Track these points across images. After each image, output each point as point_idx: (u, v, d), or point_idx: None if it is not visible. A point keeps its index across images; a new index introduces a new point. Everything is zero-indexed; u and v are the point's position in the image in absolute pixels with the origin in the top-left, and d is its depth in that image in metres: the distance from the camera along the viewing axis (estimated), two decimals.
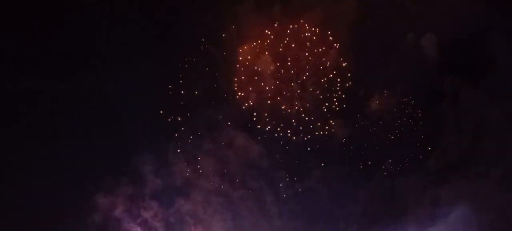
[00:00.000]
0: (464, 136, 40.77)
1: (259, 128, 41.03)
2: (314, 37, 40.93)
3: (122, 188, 39.01)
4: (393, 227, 42.10)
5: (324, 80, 41.28)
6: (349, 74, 41.00)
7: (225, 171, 40.94)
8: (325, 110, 41.48)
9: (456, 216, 40.17)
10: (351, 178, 42.31)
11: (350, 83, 41.15)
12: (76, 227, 37.75)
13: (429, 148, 41.90)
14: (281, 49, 40.98)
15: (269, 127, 40.81)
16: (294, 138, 41.18)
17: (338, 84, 41.34)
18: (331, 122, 41.40)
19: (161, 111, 40.09)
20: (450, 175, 40.97)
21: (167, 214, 40.34)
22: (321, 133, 41.44)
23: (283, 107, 40.83)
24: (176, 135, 40.19)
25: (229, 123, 40.53)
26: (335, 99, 41.47)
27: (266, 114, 40.88)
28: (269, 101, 41.05)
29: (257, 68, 40.48)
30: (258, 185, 41.32)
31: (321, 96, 41.45)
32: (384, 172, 42.50)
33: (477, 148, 40.50)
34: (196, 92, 40.46)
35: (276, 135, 41.02)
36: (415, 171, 42.08)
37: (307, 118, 41.39)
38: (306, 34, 40.91)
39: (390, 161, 42.31)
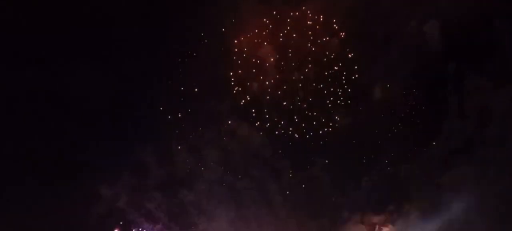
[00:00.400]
0: (468, 121, 40.49)
1: (259, 123, 40.90)
2: (317, 26, 40.45)
3: (125, 179, 38.90)
4: (396, 215, 42.11)
5: (328, 72, 40.90)
6: (354, 65, 40.62)
7: (228, 161, 40.76)
8: (329, 104, 41.12)
9: (460, 202, 40.09)
10: (354, 167, 42.18)
11: (356, 75, 40.85)
12: (79, 218, 37.62)
13: (433, 134, 41.50)
14: (281, 39, 40.52)
15: (269, 124, 40.75)
16: (296, 135, 40.98)
17: (343, 76, 40.90)
18: (336, 117, 41.00)
19: (163, 103, 39.63)
20: (454, 161, 40.76)
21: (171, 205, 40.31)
22: (325, 129, 41.19)
23: (285, 103, 40.61)
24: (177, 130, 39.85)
25: (229, 116, 40.17)
26: (339, 92, 41.07)
27: (265, 110, 40.72)
28: (268, 96, 40.75)
29: (257, 59, 40.12)
30: (261, 175, 41.14)
31: (325, 91, 41.09)
32: (387, 160, 42.21)
33: (481, 133, 40.21)
34: (195, 88, 39.84)
35: (276, 132, 40.96)
36: (418, 158, 41.82)
37: (310, 113, 41.21)
38: (308, 22, 40.45)
39: (393, 148, 41.92)
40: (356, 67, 40.91)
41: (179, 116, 39.68)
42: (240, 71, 39.86)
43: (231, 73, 40.02)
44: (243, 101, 40.30)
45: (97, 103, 38.93)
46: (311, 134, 41.26)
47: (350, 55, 40.65)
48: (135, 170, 38.89)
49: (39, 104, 38.67)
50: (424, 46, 40.62)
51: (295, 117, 41.03)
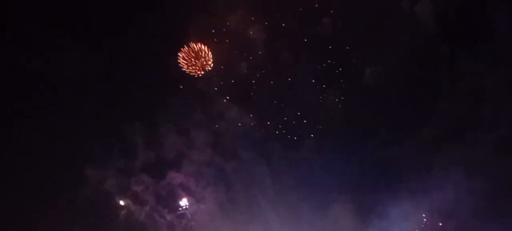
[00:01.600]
0: (460, 103, 40.22)
1: (250, 99, 40.39)
2: (308, 7, 39.67)
3: (113, 161, 38.63)
4: (386, 196, 42.12)
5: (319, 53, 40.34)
6: (344, 44, 40.07)
7: (217, 142, 40.47)
8: (319, 85, 40.70)
9: (450, 183, 40.12)
10: (344, 148, 41.96)
11: (345, 51, 40.17)
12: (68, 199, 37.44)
13: (424, 115, 41.24)
14: (271, 19, 39.81)
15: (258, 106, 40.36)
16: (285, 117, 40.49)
17: (333, 54, 40.39)
18: (324, 94, 40.66)
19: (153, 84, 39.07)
20: (444, 142, 40.57)
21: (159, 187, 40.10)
22: (315, 105, 40.70)
23: (272, 82, 40.07)
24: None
25: (219, 94, 39.69)
26: (329, 70, 40.59)
27: (255, 87, 40.24)
28: (260, 73, 40.30)
29: (248, 38, 39.45)
30: (250, 156, 40.96)
31: (315, 72, 40.59)
32: (377, 141, 42.07)
33: (472, 115, 39.99)
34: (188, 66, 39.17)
35: (267, 108, 40.52)
36: (409, 139, 41.56)
37: (300, 90, 40.62)
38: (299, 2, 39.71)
39: (384, 129, 41.73)
40: (347, 48, 40.24)
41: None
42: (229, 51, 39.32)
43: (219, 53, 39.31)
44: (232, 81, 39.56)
45: (84, 84, 38.35)
46: (301, 115, 40.86)
47: (341, 37, 40.03)
48: (123, 151, 38.59)
49: (25, 85, 38.05)
50: (416, 27, 40.03)
51: (284, 98, 40.71)
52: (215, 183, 40.66)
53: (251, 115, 40.51)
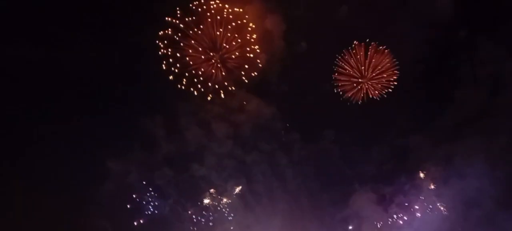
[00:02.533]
0: (481, 89, 39.87)
1: (270, 89, 40.23)
2: None
3: (134, 154, 38.61)
4: (407, 186, 41.82)
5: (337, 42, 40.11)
6: (362, 32, 39.79)
7: (237, 134, 40.29)
8: (335, 69, 40.46)
9: (471, 171, 39.72)
10: (363, 138, 41.68)
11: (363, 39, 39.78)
12: (90, 193, 37.46)
13: (444, 103, 40.86)
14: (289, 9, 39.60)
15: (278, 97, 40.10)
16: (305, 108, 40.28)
17: (348, 42, 40.16)
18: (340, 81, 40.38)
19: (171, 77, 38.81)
20: (465, 130, 40.25)
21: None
22: (332, 93, 40.55)
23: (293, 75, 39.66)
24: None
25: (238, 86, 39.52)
26: (345, 57, 40.28)
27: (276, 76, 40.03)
28: (278, 63, 40.02)
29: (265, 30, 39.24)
30: (271, 148, 40.78)
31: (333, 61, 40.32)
32: (397, 130, 41.69)
33: (493, 101, 39.62)
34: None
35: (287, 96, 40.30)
36: (429, 127, 41.28)
37: (319, 85, 40.44)
38: None
39: (403, 117, 41.36)
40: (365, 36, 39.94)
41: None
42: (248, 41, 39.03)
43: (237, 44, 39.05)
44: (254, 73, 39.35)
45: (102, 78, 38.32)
46: (320, 105, 40.66)
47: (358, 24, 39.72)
48: (144, 145, 38.56)
49: (45, 81, 38.12)
50: (435, 13, 39.61)
51: (303, 89, 40.50)
52: (236, 176, 40.53)
53: (270, 106, 40.25)
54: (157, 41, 37.49)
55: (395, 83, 40.42)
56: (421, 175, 42.22)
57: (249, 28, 38.29)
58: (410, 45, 39.58)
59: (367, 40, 40.00)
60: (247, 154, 40.65)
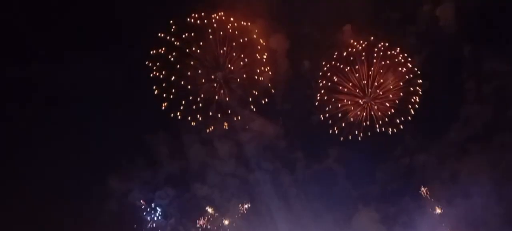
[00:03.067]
0: (486, 105, 39.60)
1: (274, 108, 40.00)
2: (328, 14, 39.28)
3: (137, 173, 38.06)
4: (411, 205, 41.18)
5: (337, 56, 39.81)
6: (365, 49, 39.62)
7: (241, 153, 39.80)
8: (341, 89, 40.04)
9: (477, 189, 39.15)
10: (368, 156, 41.14)
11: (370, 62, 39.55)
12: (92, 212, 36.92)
13: (450, 120, 40.46)
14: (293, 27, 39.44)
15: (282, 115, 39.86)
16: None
17: (354, 62, 39.94)
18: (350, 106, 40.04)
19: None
20: (471, 147, 39.80)
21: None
22: (338, 113, 40.10)
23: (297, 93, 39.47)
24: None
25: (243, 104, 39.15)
26: (351, 77, 40.06)
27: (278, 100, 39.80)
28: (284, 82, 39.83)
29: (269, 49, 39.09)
30: (274, 167, 40.34)
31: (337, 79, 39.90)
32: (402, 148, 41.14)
33: (499, 117, 39.24)
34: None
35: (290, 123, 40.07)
36: (434, 145, 40.82)
37: (325, 97, 39.87)
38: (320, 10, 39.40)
39: (408, 135, 40.91)
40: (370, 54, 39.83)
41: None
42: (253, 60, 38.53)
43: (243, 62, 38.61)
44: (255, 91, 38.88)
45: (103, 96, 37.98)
46: (324, 124, 40.34)
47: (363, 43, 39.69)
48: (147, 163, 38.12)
49: (47, 100, 38.02)
50: (439, 29, 39.67)
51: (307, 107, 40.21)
52: (239, 195, 39.92)
53: (275, 125, 39.94)
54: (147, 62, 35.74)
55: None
56: (426, 194, 41.46)
57: (257, 46, 37.89)
58: (415, 61, 39.62)
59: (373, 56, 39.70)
60: (251, 173, 40.09)
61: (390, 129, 39.92)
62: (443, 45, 39.72)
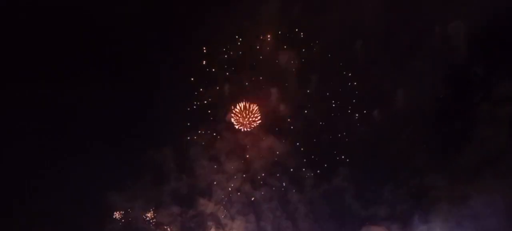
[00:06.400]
0: (499, 128, 38.82)
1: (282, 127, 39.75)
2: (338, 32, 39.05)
3: (140, 190, 37.63)
4: (421, 227, 40.40)
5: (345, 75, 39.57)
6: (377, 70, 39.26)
7: (248, 170, 39.37)
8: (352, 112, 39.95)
9: (489, 212, 38.32)
10: (378, 176, 40.67)
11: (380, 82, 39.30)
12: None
13: (461, 142, 39.83)
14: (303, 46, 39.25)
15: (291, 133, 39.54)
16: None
17: (364, 80, 39.62)
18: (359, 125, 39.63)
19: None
20: (483, 170, 38.98)
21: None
22: (346, 133, 39.86)
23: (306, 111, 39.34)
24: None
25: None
26: (360, 96, 39.71)
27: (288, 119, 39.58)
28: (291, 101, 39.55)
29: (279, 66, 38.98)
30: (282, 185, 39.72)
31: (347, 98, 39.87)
32: (412, 170, 40.55)
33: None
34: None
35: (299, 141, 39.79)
36: (445, 167, 40.08)
37: (333, 115, 39.82)
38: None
39: (419, 157, 40.31)
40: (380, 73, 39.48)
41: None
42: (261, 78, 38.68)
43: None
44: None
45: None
46: (334, 142, 39.95)
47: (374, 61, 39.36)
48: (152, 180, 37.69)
49: (53, 116, 37.89)
50: (451, 51, 39.20)
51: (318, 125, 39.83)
52: (245, 213, 39.33)
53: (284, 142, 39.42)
54: None
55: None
56: (437, 216, 40.69)
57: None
58: (427, 84, 39.05)
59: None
60: (258, 191, 39.57)
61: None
62: (456, 67, 39.16)
